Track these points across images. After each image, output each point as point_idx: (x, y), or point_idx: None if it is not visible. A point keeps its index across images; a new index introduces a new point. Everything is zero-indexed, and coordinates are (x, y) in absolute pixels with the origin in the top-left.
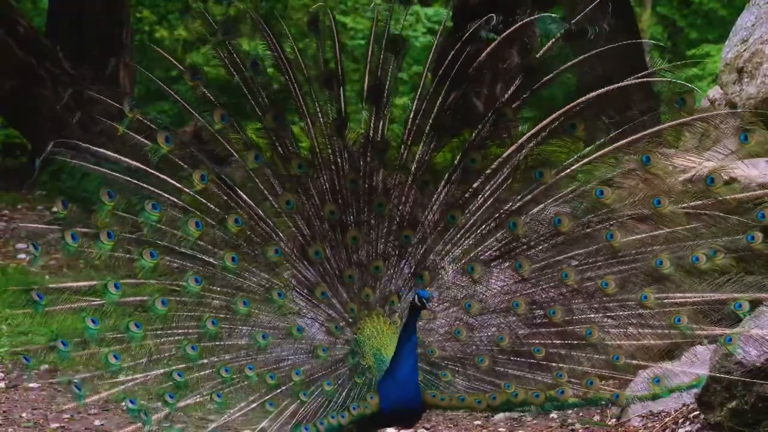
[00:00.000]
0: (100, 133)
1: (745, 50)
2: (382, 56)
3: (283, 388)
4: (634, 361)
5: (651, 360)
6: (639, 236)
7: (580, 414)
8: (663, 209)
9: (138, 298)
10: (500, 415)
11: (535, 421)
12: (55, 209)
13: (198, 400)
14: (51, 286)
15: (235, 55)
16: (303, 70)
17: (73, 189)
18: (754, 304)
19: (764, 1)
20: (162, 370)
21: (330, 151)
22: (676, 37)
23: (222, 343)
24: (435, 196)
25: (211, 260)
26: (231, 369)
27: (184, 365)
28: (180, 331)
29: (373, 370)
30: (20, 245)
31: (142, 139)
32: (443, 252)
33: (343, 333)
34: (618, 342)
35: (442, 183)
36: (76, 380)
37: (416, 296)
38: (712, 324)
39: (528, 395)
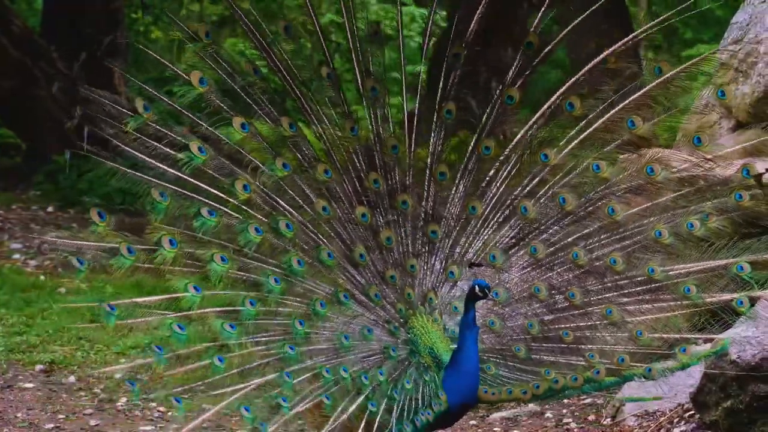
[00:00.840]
0: (114, 136)
1: (739, 50)
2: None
3: (372, 387)
4: (657, 335)
5: (672, 332)
6: (637, 209)
7: (576, 413)
8: (656, 177)
9: (219, 309)
10: (495, 415)
11: (530, 421)
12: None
13: (308, 405)
14: (124, 301)
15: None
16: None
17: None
18: (755, 265)
19: (759, 0)
20: (272, 376)
21: (346, 153)
22: (671, 36)
23: (312, 347)
24: (454, 188)
25: (279, 263)
26: (331, 370)
27: (288, 366)
28: (272, 331)
29: (433, 368)
30: (15, 245)
31: (167, 149)
32: (467, 244)
33: (401, 333)
34: (637, 318)
35: (458, 175)
36: (173, 393)
37: (476, 286)
38: (720, 291)
39: (567, 380)
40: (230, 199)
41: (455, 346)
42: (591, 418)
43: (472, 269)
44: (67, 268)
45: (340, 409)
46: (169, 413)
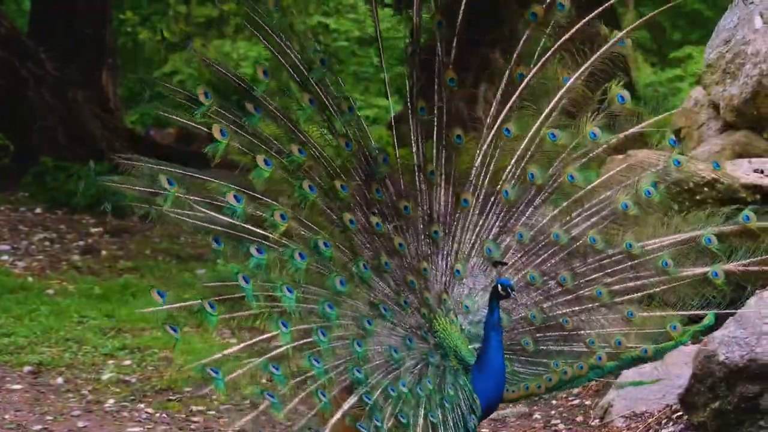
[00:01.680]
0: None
1: (727, 51)
2: None
3: (427, 397)
4: (646, 314)
5: (660, 310)
6: (598, 181)
7: (564, 414)
8: (599, 140)
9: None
10: None
11: (518, 422)
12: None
13: (393, 423)
14: (213, 358)
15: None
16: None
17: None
18: (720, 237)
19: (747, 1)
20: (353, 399)
21: (350, 167)
22: (659, 37)
23: (370, 365)
24: (442, 184)
25: (326, 288)
26: (394, 387)
27: (362, 390)
28: (341, 357)
29: (461, 371)
30: (3, 246)
31: (205, 210)
32: (465, 239)
33: (430, 338)
34: (625, 297)
35: (441, 170)
36: (268, 392)
37: (499, 285)
38: (693, 264)
39: (574, 369)
40: (270, 234)
41: (473, 346)
42: (579, 419)
43: (497, 268)
44: (55, 269)
45: (412, 424)
46: (157, 414)
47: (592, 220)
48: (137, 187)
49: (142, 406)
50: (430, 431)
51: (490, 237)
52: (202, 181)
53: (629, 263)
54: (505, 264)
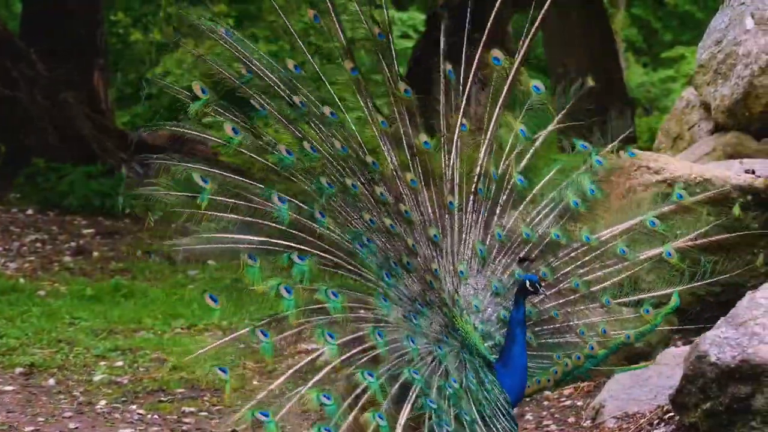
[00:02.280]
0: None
1: (719, 52)
2: None
3: (481, 395)
4: (620, 300)
5: (631, 295)
6: (541, 183)
7: (556, 415)
8: (529, 137)
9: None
10: None
11: None
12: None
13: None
14: (261, 396)
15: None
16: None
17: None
18: (661, 218)
19: (738, 2)
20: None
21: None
22: (650, 38)
23: (424, 362)
24: (423, 189)
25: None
26: (449, 385)
27: (426, 392)
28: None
29: (486, 368)
30: None
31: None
32: (458, 241)
33: (457, 336)
34: (599, 286)
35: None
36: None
37: (526, 281)
38: (648, 247)
39: (573, 360)
40: (312, 238)
41: (488, 344)
42: (571, 420)
43: (522, 264)
44: (46, 270)
45: (471, 421)
46: (149, 415)
47: (550, 218)
48: (177, 192)
49: (134, 407)
50: (486, 429)
51: (479, 238)
52: (237, 184)
53: (593, 254)
54: (532, 260)
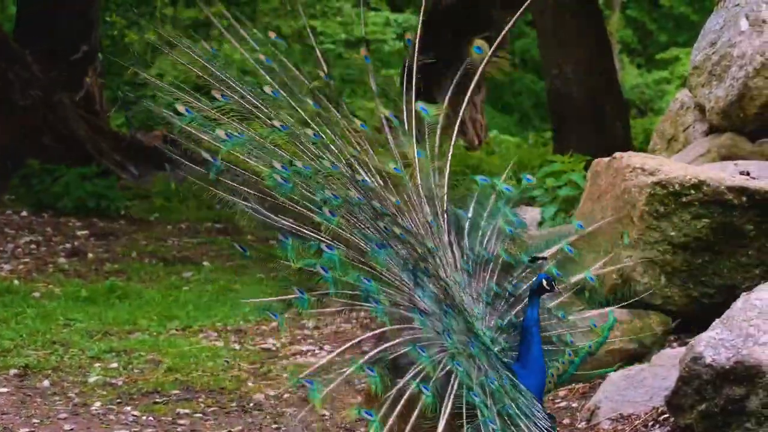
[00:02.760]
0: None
1: (713, 53)
2: None
3: (518, 395)
4: (573, 316)
5: (579, 311)
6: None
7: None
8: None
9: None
10: None
11: None
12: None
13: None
14: (312, 370)
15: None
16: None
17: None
18: (574, 245)
19: (732, 4)
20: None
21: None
22: (645, 40)
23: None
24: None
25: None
26: (491, 385)
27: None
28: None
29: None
30: None
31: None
32: (451, 253)
33: (478, 340)
34: (553, 303)
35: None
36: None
37: (543, 280)
38: (573, 274)
39: (560, 364)
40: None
41: (496, 348)
42: (566, 421)
43: (534, 263)
44: (41, 272)
45: (515, 415)
46: (143, 417)
47: (494, 239)
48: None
49: (129, 408)
50: (529, 422)
51: (459, 254)
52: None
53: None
54: (544, 259)
